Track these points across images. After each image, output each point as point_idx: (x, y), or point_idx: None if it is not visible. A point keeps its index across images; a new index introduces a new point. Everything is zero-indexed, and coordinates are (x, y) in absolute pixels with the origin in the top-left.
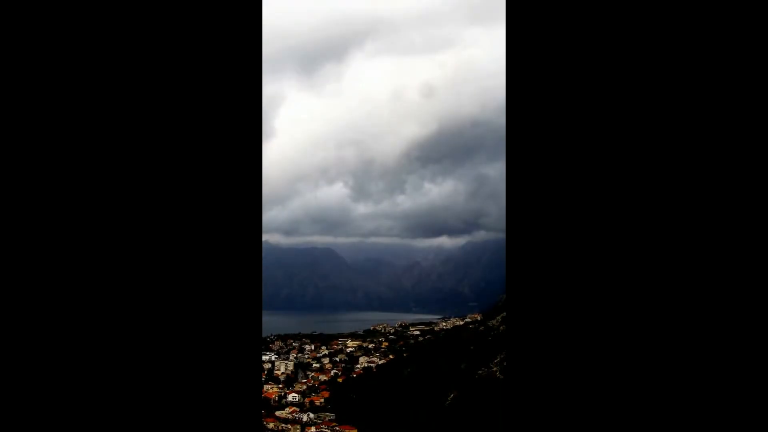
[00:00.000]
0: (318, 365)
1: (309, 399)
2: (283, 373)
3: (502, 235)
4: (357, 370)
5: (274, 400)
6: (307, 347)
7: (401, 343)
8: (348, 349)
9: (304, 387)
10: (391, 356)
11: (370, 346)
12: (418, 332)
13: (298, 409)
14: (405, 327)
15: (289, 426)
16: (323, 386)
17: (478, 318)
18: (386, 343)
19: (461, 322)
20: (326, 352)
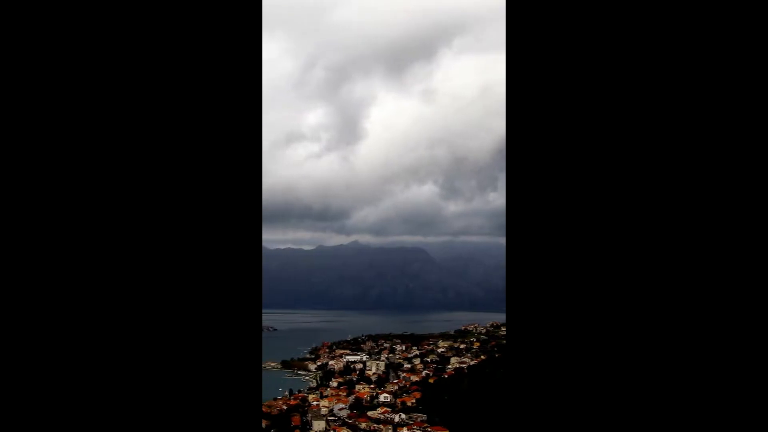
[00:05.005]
0: (409, 365)
1: (400, 399)
2: (374, 374)
3: None
4: (448, 370)
5: (366, 400)
6: (398, 347)
7: (493, 343)
8: (439, 350)
9: (396, 387)
10: (482, 357)
11: (462, 346)
12: None
13: (389, 410)
14: (497, 327)
15: (381, 426)
16: (414, 387)
17: None
18: (478, 344)
19: None
20: (417, 352)
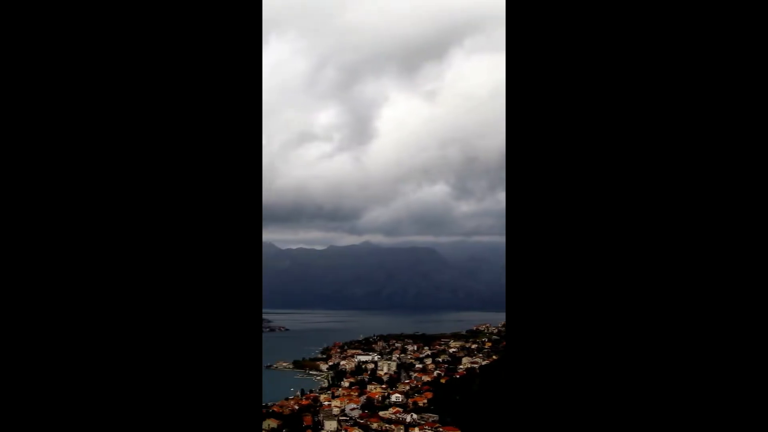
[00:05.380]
0: (421, 366)
1: (412, 399)
2: (386, 374)
3: None
4: (460, 370)
5: (378, 401)
6: (410, 347)
7: (504, 343)
8: (450, 350)
9: (407, 387)
10: (494, 357)
11: (473, 346)
12: None
13: (401, 410)
14: None
15: (393, 426)
16: (426, 387)
17: None
18: (489, 344)
19: None
20: (429, 352)
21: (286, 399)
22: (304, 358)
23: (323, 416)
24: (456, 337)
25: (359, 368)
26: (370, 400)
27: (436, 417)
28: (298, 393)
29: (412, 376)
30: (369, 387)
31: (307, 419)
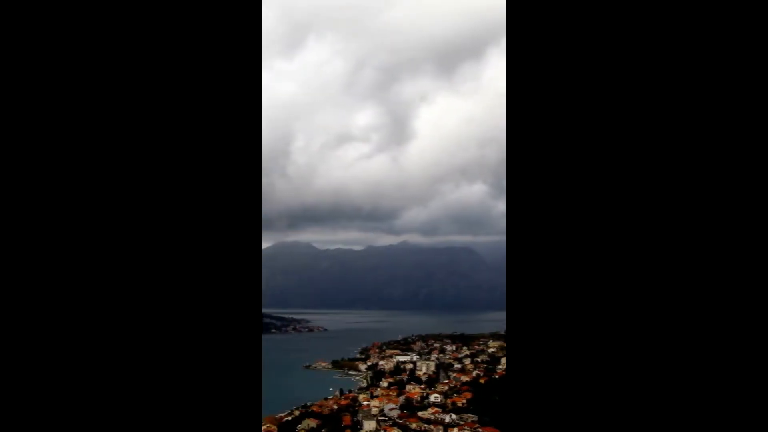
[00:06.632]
0: (459, 366)
1: (451, 400)
2: (424, 374)
3: None
4: (499, 371)
5: (417, 401)
6: (449, 347)
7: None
8: (489, 350)
9: (446, 388)
10: None
11: None
12: None
13: (440, 410)
14: None
15: (432, 426)
16: (465, 387)
17: None
18: None
19: None
20: (467, 352)
21: (326, 399)
22: (343, 358)
23: (362, 416)
24: (495, 337)
25: (398, 368)
26: (408, 400)
27: (475, 417)
28: (337, 393)
29: (451, 377)
30: (408, 387)
31: (347, 419)
